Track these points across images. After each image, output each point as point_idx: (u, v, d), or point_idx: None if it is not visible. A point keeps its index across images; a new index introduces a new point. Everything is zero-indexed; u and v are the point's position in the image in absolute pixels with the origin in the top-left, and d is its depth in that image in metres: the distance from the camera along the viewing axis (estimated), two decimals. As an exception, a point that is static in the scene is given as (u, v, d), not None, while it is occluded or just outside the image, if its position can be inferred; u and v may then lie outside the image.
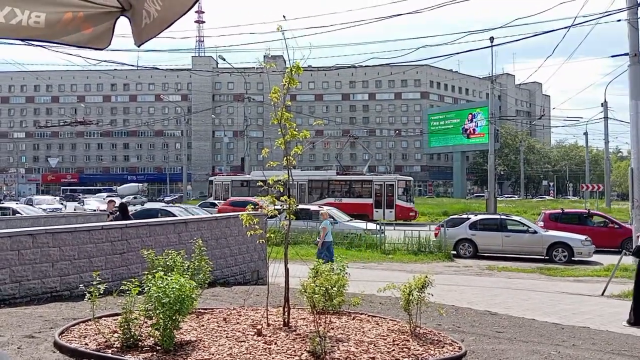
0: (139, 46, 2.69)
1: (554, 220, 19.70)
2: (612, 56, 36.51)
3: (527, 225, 17.30)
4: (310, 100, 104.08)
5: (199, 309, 6.29)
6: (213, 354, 4.64)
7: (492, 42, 30.93)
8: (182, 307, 4.59)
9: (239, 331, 5.39)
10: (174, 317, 4.59)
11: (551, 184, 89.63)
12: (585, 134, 53.11)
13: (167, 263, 5.69)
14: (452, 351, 5.08)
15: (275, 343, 4.98)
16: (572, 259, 15.85)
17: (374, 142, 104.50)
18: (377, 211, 30.71)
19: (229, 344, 4.93)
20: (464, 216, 18.64)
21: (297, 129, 5.89)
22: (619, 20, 14.75)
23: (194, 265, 5.97)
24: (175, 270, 5.47)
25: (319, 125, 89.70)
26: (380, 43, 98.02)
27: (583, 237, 16.45)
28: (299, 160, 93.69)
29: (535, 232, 16.87)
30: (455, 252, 17.08)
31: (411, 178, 37.14)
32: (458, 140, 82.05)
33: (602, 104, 39.86)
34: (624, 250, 12.17)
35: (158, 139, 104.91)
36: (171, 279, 4.67)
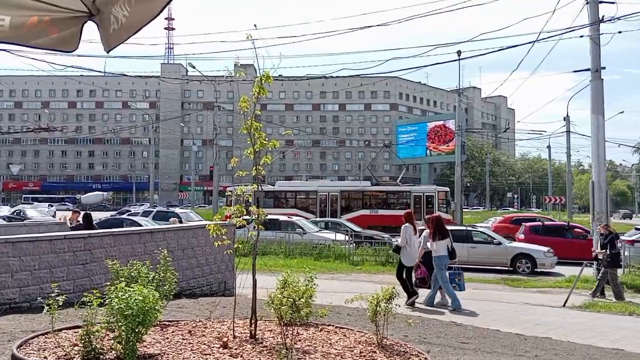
0: (108, 52, 2.66)
1: (534, 232, 20.05)
2: (575, 71, 37.59)
3: (492, 237, 17.62)
4: (280, 109, 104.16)
5: (164, 321, 6.17)
6: (177, 368, 4.54)
7: (459, 55, 31.56)
8: (146, 319, 4.50)
9: (204, 344, 5.30)
10: (136, 330, 4.48)
11: (515, 195, 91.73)
12: (548, 147, 54.77)
13: (132, 274, 5.57)
14: (418, 362, 5.10)
15: (241, 356, 4.92)
16: (535, 270, 16.20)
17: (343, 152, 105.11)
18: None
19: (194, 357, 4.84)
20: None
21: (266, 139, 5.86)
22: (582, 36, 15.29)
23: (159, 276, 5.86)
24: (139, 281, 5.36)
25: (289, 135, 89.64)
26: (351, 54, 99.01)
27: (545, 249, 16.85)
28: (268, 170, 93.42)
29: (499, 243, 17.19)
30: (422, 263, 17.24)
31: (448, 189, 34.82)
32: (425, 151, 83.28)
33: (564, 118, 41.06)
34: (585, 262, 12.50)
35: (124, 146, 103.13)
36: (134, 290, 4.58)
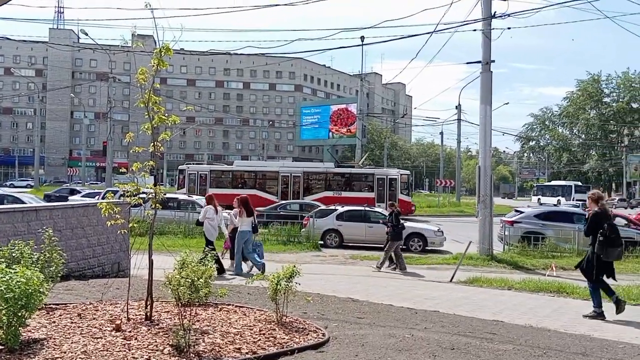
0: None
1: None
2: (467, 63, 40.06)
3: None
4: (182, 85, 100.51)
5: (50, 304, 5.80)
6: (65, 352, 4.29)
7: (362, 41, 32.29)
8: (29, 303, 4.21)
9: (95, 327, 5.05)
10: (19, 314, 4.19)
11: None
12: (441, 133, 58.07)
13: (13, 254, 5.16)
14: (316, 338, 5.24)
15: (136, 338, 4.75)
16: (426, 248, 17.20)
17: (247, 131, 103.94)
18: (379, 206, 27.29)
19: (84, 341, 4.60)
20: (332, 207, 19.30)
21: (166, 114, 5.64)
22: (475, 30, 16.22)
23: (44, 257, 5.47)
24: (22, 262, 4.98)
25: (190, 112, 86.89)
26: (257, 32, 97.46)
27: (436, 229, 17.94)
28: (167, 147, 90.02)
29: (395, 223, 18.02)
30: (322, 242, 17.63)
31: (409, 172, 35.39)
32: (328, 134, 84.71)
33: (456, 106, 43.60)
34: (470, 241, 13.44)
35: (6, 117, 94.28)
36: (16, 272, 4.25)
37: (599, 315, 7.64)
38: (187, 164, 35.19)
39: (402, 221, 13.71)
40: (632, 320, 7.59)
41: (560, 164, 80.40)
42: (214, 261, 5.44)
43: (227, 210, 12.45)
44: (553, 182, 67.92)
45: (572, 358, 5.26)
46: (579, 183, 63.60)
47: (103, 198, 19.36)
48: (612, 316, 7.62)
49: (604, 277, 7.77)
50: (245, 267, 11.38)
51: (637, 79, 72.64)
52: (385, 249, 13.19)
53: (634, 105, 73.19)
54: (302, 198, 29.85)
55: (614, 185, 78.33)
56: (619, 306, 7.58)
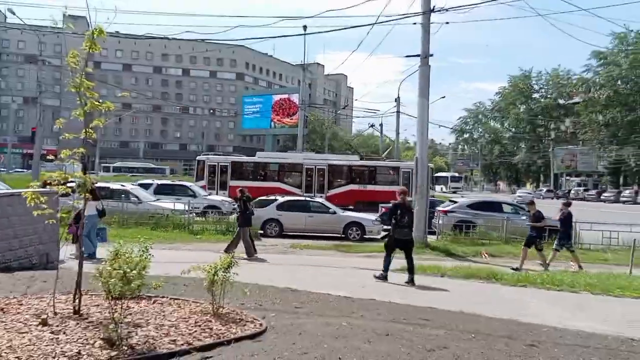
0: None
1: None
2: (407, 56, 40.83)
3: (328, 207, 18.60)
4: (117, 69, 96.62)
5: (-31, 299, 5.47)
6: (-14, 349, 4.07)
7: (305, 30, 32.30)
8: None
9: (20, 322, 4.83)
10: None
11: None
12: (381, 125, 58.97)
13: None
14: (253, 328, 5.23)
15: (64, 332, 4.57)
16: (365, 236, 17.51)
17: (186, 120, 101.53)
18: None
19: (8, 336, 4.38)
20: (272, 197, 19.26)
21: (100, 100, 5.43)
22: (415, 24, 16.53)
23: (-37, 249, 5.15)
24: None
25: (126, 98, 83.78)
26: (196, 17, 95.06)
27: (373, 218, 18.31)
28: (102, 134, 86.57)
29: (334, 212, 18.24)
30: (262, 232, 17.57)
31: (432, 165, 34.31)
32: (270, 123, 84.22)
33: (395, 99, 44.39)
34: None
35: None
36: None
37: (384, 277, 9.86)
38: (205, 154, 33.50)
39: (251, 207, 13.70)
40: (556, 304, 8.08)
41: (492, 155, 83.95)
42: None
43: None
44: (438, 174, 75.17)
45: (499, 341, 5.53)
46: (456, 174, 77.85)
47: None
48: (541, 303, 8.06)
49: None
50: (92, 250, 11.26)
51: (565, 77, 76.82)
52: (235, 235, 13.44)
53: (561, 101, 77.39)
54: (327, 191, 29.53)
55: (541, 176, 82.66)
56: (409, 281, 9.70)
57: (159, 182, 25.62)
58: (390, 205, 10.06)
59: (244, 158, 34.00)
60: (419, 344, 5.14)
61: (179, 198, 20.89)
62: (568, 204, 13.88)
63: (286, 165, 32.10)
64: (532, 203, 13.57)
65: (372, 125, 57.40)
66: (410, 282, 9.69)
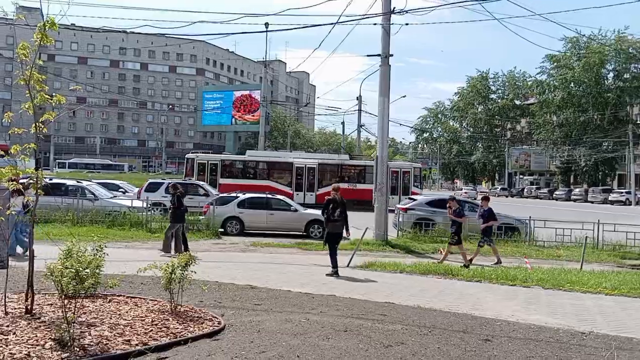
0: None
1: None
2: (368, 55, 41.30)
3: (289, 205, 18.58)
4: (72, 62, 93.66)
5: None
6: None
7: (267, 27, 32.11)
8: None
9: (-34, 323, 4.63)
10: None
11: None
12: (343, 123, 59.38)
13: None
14: (211, 326, 5.19)
15: (14, 333, 4.42)
16: (326, 234, 17.57)
17: (144, 115, 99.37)
18: (393, 198, 26.42)
19: (-48, 340, 4.19)
20: (233, 195, 19.09)
21: (52, 93, 5.27)
22: (375, 24, 16.70)
23: None
24: None
25: (80, 91, 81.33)
26: (155, 11, 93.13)
27: (336, 216, 18.40)
28: (55, 129, 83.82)
29: (296, 210, 18.23)
30: (223, 230, 17.40)
31: (421, 165, 36.32)
32: (231, 120, 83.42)
33: (357, 97, 44.79)
34: (367, 227, 13.91)
35: None
36: None
37: (335, 274, 10.07)
38: (194, 152, 33.20)
39: (184, 204, 13.54)
40: (509, 299, 8.33)
41: (451, 154, 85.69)
42: None
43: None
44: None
45: (455, 335, 5.67)
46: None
47: None
48: (495, 298, 8.31)
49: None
50: (19, 249, 10.85)
51: (521, 78, 79.15)
52: (165, 230, 13.35)
53: (517, 102, 79.71)
54: (317, 190, 29.65)
55: (497, 175, 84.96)
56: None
57: (170, 181, 24.97)
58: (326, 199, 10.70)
59: (234, 156, 34.31)
60: (376, 339, 5.21)
61: (191, 197, 20.42)
62: (487, 199, 13.79)
63: (276, 164, 32.49)
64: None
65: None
66: (335, 274, 10.14)
